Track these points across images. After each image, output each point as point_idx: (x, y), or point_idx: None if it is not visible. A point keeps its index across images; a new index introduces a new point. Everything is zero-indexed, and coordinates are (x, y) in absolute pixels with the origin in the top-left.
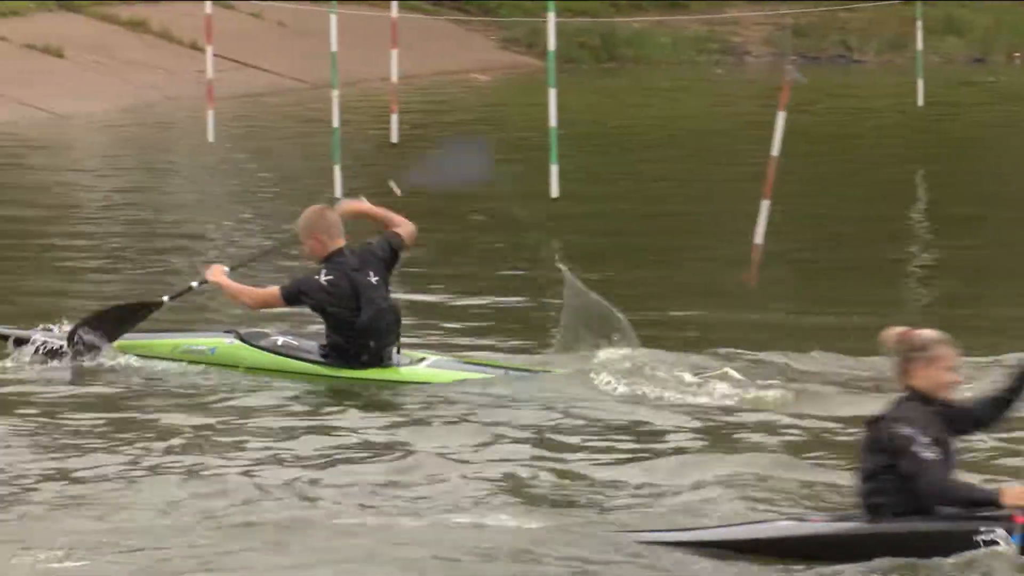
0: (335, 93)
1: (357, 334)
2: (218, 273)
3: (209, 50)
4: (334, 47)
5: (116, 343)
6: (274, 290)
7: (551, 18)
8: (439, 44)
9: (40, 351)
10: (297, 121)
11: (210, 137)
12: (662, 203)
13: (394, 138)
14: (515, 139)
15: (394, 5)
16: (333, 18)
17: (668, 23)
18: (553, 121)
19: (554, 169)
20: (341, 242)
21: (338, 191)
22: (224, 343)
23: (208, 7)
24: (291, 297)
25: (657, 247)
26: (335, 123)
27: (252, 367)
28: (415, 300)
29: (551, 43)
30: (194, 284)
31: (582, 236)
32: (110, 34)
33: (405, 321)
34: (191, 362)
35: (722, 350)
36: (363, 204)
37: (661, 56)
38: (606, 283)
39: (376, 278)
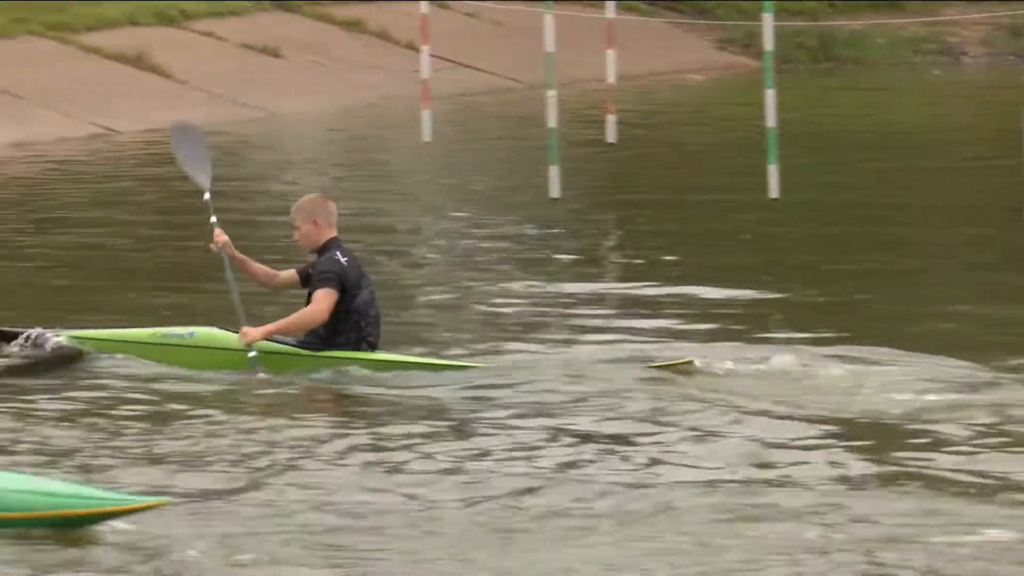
0: (551, 93)
1: (350, 313)
2: (254, 332)
3: (425, 50)
4: (550, 47)
5: (90, 334)
6: (325, 292)
7: (768, 19)
8: (654, 44)
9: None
10: (513, 121)
11: (425, 136)
12: (883, 199)
13: (611, 138)
14: (732, 140)
15: (610, 5)
16: (548, 18)
17: (886, 23)
18: (771, 122)
19: (772, 170)
20: (335, 232)
21: (555, 191)
22: (202, 328)
23: (424, 7)
24: (338, 284)
25: (883, 241)
26: (551, 123)
27: (230, 348)
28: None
29: (768, 44)
30: (251, 354)
31: (807, 228)
32: (326, 33)
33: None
34: (170, 345)
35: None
36: (229, 246)
37: (878, 57)
38: (838, 276)
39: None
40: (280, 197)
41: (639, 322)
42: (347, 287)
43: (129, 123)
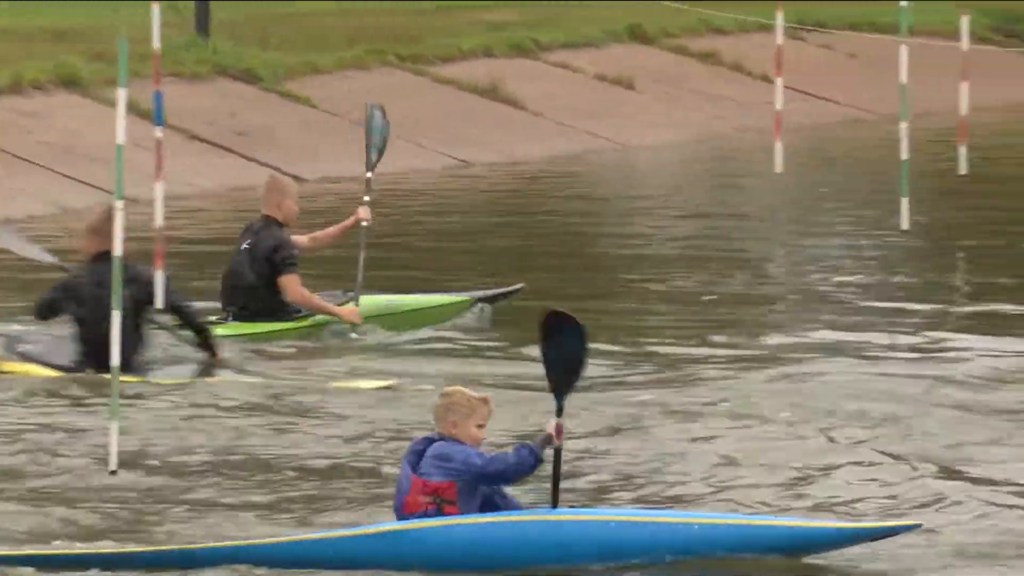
0: (903, 125)
1: None
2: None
3: (779, 81)
4: (903, 79)
5: None
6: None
7: None
8: (1013, 77)
9: None
10: (865, 153)
11: (777, 168)
12: None
13: (962, 170)
14: None
15: (965, 37)
16: (903, 50)
17: None
18: None
19: None
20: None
21: (904, 223)
22: None
23: (779, 38)
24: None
25: None
26: (903, 155)
27: None
28: None
29: None
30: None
31: None
32: (681, 65)
33: None
34: None
35: None
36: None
37: None
38: None
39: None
40: (635, 231)
41: None
42: None
43: (481, 154)
